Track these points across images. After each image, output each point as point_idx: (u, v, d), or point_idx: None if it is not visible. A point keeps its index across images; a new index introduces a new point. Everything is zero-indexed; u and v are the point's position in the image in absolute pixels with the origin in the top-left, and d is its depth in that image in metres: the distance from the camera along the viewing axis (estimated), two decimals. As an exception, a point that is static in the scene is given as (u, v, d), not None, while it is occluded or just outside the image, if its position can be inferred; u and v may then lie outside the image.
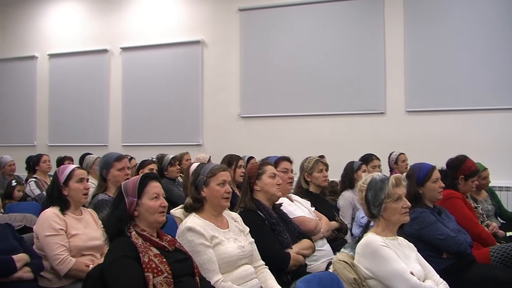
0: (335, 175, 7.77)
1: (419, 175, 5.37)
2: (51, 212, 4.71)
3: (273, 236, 4.71)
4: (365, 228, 4.25)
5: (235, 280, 4.05)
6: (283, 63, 11.01)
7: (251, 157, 8.53)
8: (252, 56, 11.33)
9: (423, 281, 3.90)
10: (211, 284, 3.86)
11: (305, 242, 4.97)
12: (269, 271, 4.39)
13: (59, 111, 13.49)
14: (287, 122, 10.95)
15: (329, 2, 10.75)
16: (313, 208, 5.80)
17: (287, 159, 5.77)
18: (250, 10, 11.40)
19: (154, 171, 7.41)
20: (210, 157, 9.74)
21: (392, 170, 9.22)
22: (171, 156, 8.59)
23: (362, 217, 6.49)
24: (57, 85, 13.55)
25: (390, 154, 9.42)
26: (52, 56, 13.62)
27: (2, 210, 6.19)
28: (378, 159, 8.47)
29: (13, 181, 8.35)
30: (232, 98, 11.42)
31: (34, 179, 8.86)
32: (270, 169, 5.03)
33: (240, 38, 11.46)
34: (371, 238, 3.95)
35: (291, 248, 4.75)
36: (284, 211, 5.19)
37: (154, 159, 8.36)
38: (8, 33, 14.27)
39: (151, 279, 3.39)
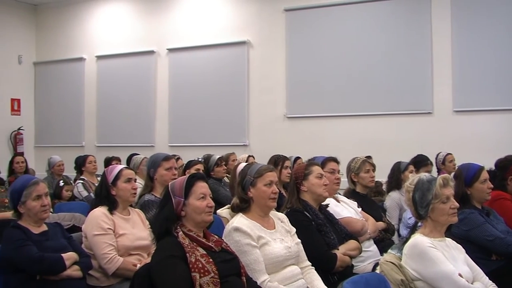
0: (380, 175, 7.72)
1: (467, 176, 5.31)
2: (100, 212, 4.77)
3: (319, 237, 4.70)
4: (413, 229, 4.21)
5: (281, 281, 4.05)
6: (329, 63, 10.95)
7: (298, 158, 8.51)
8: (298, 56, 11.29)
9: (471, 283, 3.86)
10: (258, 284, 3.86)
11: (352, 243, 4.95)
12: (315, 271, 4.38)
13: (106, 112, 13.63)
14: (333, 123, 10.89)
15: (375, 2, 10.65)
16: (360, 209, 5.77)
17: (334, 160, 5.74)
18: (295, 10, 11.35)
19: (201, 171, 7.43)
20: (248, 156, 9.74)
21: (439, 171, 9.12)
22: (218, 156, 8.61)
23: (410, 217, 6.45)
24: (104, 87, 13.70)
25: (438, 155, 9.32)
26: (99, 57, 13.78)
27: (51, 210, 6.27)
28: (431, 164, 8.42)
29: (61, 181, 8.44)
30: (278, 99, 11.40)
31: (82, 181, 8.94)
32: (317, 169, 5.01)
33: (286, 39, 11.43)
34: (418, 239, 3.91)
35: (338, 249, 4.74)
36: (331, 211, 5.18)
37: (200, 160, 8.38)
38: (57, 35, 14.47)
39: (198, 279, 3.41)
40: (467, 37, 9.99)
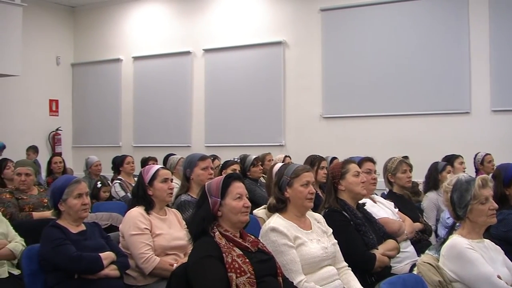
0: (417, 175, 7.66)
1: (505, 176, 5.25)
2: (137, 212, 4.79)
3: (358, 237, 4.68)
4: (451, 230, 4.17)
5: (317, 281, 4.04)
6: (365, 63, 10.91)
7: (334, 158, 8.48)
8: (333, 56, 11.27)
9: (510, 285, 3.81)
10: (294, 284, 3.86)
11: (390, 243, 4.92)
12: (352, 272, 4.36)
13: (143, 113, 13.74)
14: (369, 123, 10.85)
15: (412, 1, 10.59)
16: (397, 210, 5.73)
17: (371, 160, 5.72)
18: (331, 10, 11.34)
19: (237, 171, 7.44)
20: (284, 156, 9.73)
21: (477, 171, 9.04)
22: (254, 156, 8.61)
23: (448, 217, 6.38)
24: (141, 87, 13.80)
25: (476, 155, 9.24)
26: (136, 58, 13.89)
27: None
28: (461, 156, 8.33)
29: (98, 182, 8.50)
30: (314, 99, 11.39)
31: (119, 181, 9.00)
32: (353, 167, 4.99)
33: (322, 38, 11.41)
34: (456, 240, 3.87)
35: (377, 249, 4.72)
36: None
37: (237, 160, 8.39)
38: (94, 36, 14.63)
39: (234, 279, 3.42)
40: (506, 35, 9.89)
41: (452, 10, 10.27)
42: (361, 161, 5.62)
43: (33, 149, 12.49)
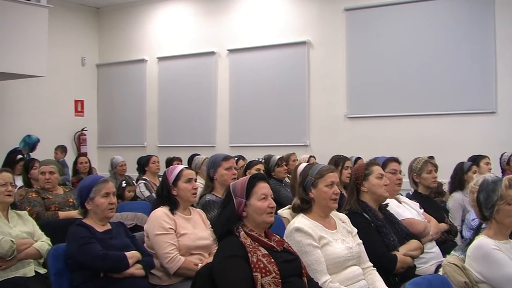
0: (443, 176, 7.62)
1: (533, 176, 5.20)
2: (161, 212, 4.81)
3: (379, 238, 4.66)
4: (477, 231, 4.14)
5: (342, 281, 4.03)
6: (390, 62, 10.85)
7: (359, 158, 8.45)
8: (358, 56, 11.23)
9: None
10: (319, 284, 3.86)
11: (413, 243, 4.90)
12: (377, 272, 4.35)
13: (168, 113, 13.79)
14: (394, 122, 10.80)
15: (437, 0, 10.54)
16: (422, 210, 5.70)
17: (396, 160, 5.69)
18: (356, 9, 11.30)
19: (261, 171, 7.43)
20: (309, 156, 9.71)
21: (504, 171, 8.97)
22: (278, 156, 8.61)
23: (473, 219, 6.33)
24: (166, 88, 13.85)
25: (502, 155, 9.17)
26: (161, 59, 13.94)
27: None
28: (487, 157, 8.26)
29: (123, 182, 8.54)
30: (338, 99, 11.35)
31: (144, 181, 9.04)
32: (377, 169, 4.97)
33: (346, 38, 11.38)
34: (482, 241, 3.84)
35: (398, 250, 4.70)
36: (392, 213, 5.13)
37: (261, 160, 8.40)
38: (119, 37, 14.71)
39: (259, 279, 3.43)
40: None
41: (477, 9, 10.19)
42: (386, 162, 5.60)
43: (61, 149, 12.58)
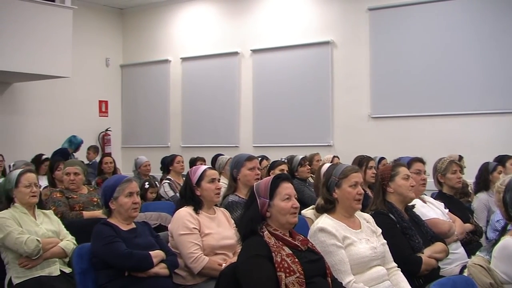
0: (468, 176, 7.57)
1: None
2: (185, 212, 4.82)
3: (404, 240, 4.64)
4: (503, 231, 4.11)
5: (367, 282, 4.02)
6: (415, 62, 10.77)
7: (382, 158, 8.43)
8: (382, 55, 11.17)
9: None
10: (343, 285, 3.85)
11: (438, 245, 4.87)
12: (401, 273, 4.33)
13: (191, 113, 13.81)
14: (418, 122, 10.72)
15: (462, -2, 10.49)
16: (447, 210, 5.67)
17: (420, 160, 5.67)
18: (379, 9, 11.24)
19: (285, 172, 7.43)
20: (333, 156, 9.69)
21: (529, 172, 8.88)
22: (301, 156, 8.60)
23: (497, 220, 6.28)
24: (189, 88, 13.88)
25: (528, 155, 9.09)
26: (184, 59, 13.97)
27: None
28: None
29: (146, 183, 8.56)
30: (362, 99, 11.30)
31: (168, 181, 9.08)
32: (403, 170, 4.94)
33: (370, 38, 11.32)
34: (509, 241, 3.80)
35: (423, 252, 4.67)
36: (417, 213, 5.10)
37: (284, 160, 8.39)
38: (143, 38, 14.76)
39: (283, 278, 3.42)
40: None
41: (502, 7, 10.07)
42: (410, 162, 5.58)
43: (94, 149, 12.67)
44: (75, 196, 6.53)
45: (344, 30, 11.68)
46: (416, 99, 10.72)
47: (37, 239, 4.83)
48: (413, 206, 5.06)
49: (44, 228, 5.07)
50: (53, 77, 12.06)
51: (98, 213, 6.00)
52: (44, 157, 10.12)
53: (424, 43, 10.70)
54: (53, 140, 12.39)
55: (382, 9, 11.19)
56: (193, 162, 10.24)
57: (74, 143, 12.26)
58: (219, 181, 5.12)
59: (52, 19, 11.56)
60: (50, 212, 5.43)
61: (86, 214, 6.37)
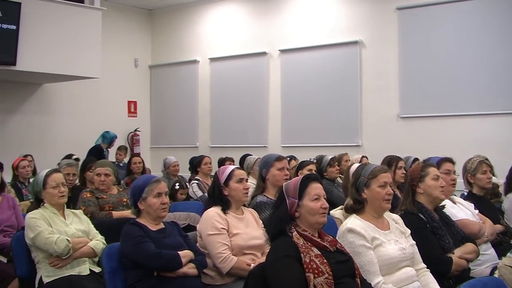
0: (498, 176, 7.50)
1: None
2: (214, 212, 4.82)
3: (434, 240, 4.61)
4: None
5: (395, 283, 4.00)
6: (444, 61, 10.71)
7: (416, 159, 8.33)
8: (411, 55, 11.12)
9: None
10: (372, 286, 3.83)
11: (469, 246, 4.83)
12: (430, 274, 4.30)
13: (219, 113, 13.85)
14: (448, 122, 10.65)
15: (492, -3, 10.40)
16: (477, 211, 5.62)
17: (450, 160, 5.64)
18: (408, 8, 11.19)
19: (313, 172, 7.41)
20: (362, 156, 9.64)
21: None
22: (330, 157, 8.58)
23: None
24: (217, 88, 13.92)
25: (559, 155, 8.99)
26: (212, 59, 14.01)
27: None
28: None
29: (177, 184, 8.58)
30: (391, 99, 11.25)
31: (196, 181, 9.10)
32: (433, 171, 4.91)
33: (399, 37, 11.27)
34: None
35: (453, 253, 4.64)
36: (447, 213, 5.07)
37: (313, 160, 8.37)
38: (171, 39, 14.84)
39: (312, 279, 3.43)
40: None
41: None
42: (440, 162, 5.55)
43: (125, 150, 12.73)
44: (105, 197, 6.57)
45: (372, 30, 11.64)
46: (445, 98, 10.65)
47: (67, 239, 4.86)
48: (443, 207, 5.03)
49: (74, 228, 5.10)
50: (83, 78, 12.18)
51: (127, 213, 6.03)
52: (74, 157, 10.21)
53: (453, 42, 10.63)
54: (83, 140, 12.52)
55: (411, 8, 11.14)
56: (221, 162, 10.27)
57: (107, 138, 12.36)
58: (247, 181, 5.12)
59: (82, 20, 11.68)
60: (79, 212, 5.46)
61: (116, 214, 6.41)
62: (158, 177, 4.75)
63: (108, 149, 12.34)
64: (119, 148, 12.71)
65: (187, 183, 9.20)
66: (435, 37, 10.86)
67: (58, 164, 9.27)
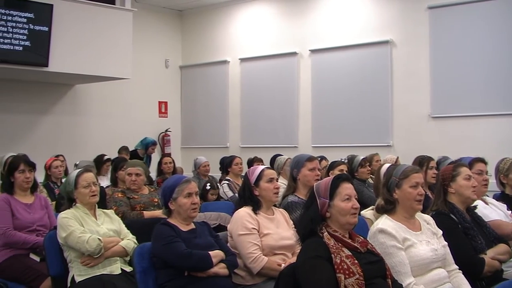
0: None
1: None
2: (244, 212, 4.84)
3: (466, 241, 4.58)
4: None
5: (427, 284, 3.98)
6: (476, 60, 10.58)
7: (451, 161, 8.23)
8: (442, 54, 11.01)
9: None
10: (403, 287, 3.82)
11: (502, 247, 4.79)
12: (462, 275, 4.27)
13: (250, 114, 13.85)
14: (480, 122, 10.52)
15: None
16: (510, 212, 5.57)
17: (482, 161, 5.59)
18: (439, 7, 11.08)
19: (344, 172, 7.40)
20: (397, 157, 9.60)
21: None
22: (362, 157, 8.55)
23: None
24: (248, 88, 13.92)
25: None
26: (243, 60, 14.01)
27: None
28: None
29: (208, 184, 8.61)
30: (422, 98, 11.15)
31: (227, 182, 9.12)
32: (465, 170, 4.87)
33: (430, 36, 11.16)
34: None
35: (486, 254, 4.60)
36: (479, 214, 5.03)
37: (344, 160, 8.35)
38: (202, 39, 14.86)
39: (343, 280, 3.42)
40: None
41: None
42: (472, 162, 5.51)
43: (126, 150, 12.69)
44: (136, 197, 6.61)
45: (403, 29, 11.55)
46: (477, 98, 10.53)
47: (98, 238, 4.89)
48: (474, 207, 4.99)
49: (105, 228, 5.13)
50: (114, 79, 12.26)
51: (158, 213, 6.05)
52: (106, 157, 10.29)
53: (485, 40, 10.51)
54: (114, 140, 12.59)
55: (442, 7, 11.03)
56: (250, 163, 10.27)
57: (143, 144, 12.63)
58: (277, 181, 5.12)
59: (113, 21, 11.76)
60: (111, 212, 5.50)
61: (147, 214, 6.44)
62: (188, 177, 4.76)
63: (147, 154, 12.45)
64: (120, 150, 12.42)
65: (217, 184, 9.22)
66: (466, 35, 10.75)
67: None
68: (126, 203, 6.49)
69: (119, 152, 12.14)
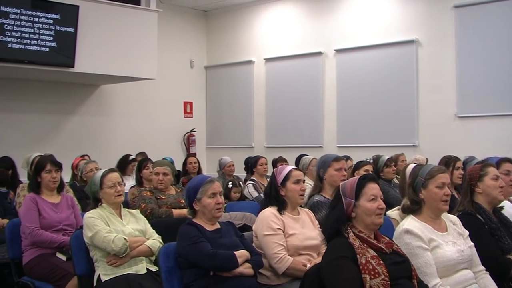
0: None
1: None
2: (269, 212, 4.84)
3: (493, 241, 4.55)
4: None
5: (453, 285, 3.97)
6: (502, 59, 10.47)
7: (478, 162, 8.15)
8: (468, 53, 10.92)
9: None
10: (429, 287, 3.79)
11: (528, 248, 4.74)
12: (489, 277, 4.25)
13: (275, 114, 13.83)
14: (507, 122, 10.42)
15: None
16: (537, 213, 5.52)
17: (509, 161, 5.54)
18: (465, 6, 11.00)
19: (370, 172, 7.38)
20: (427, 159, 9.54)
21: None
22: (387, 157, 8.51)
23: None
24: (273, 88, 13.90)
25: None
26: (268, 60, 14.00)
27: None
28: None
29: (230, 183, 8.61)
30: (448, 98, 11.08)
31: (252, 182, 9.13)
32: (492, 170, 4.84)
33: (456, 36, 11.08)
34: None
35: (512, 255, 4.57)
36: (506, 215, 4.99)
37: (369, 160, 8.33)
38: (227, 39, 14.87)
39: (368, 280, 3.41)
40: None
41: None
42: (499, 162, 5.47)
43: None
44: (163, 197, 6.62)
45: (429, 29, 11.48)
46: (504, 97, 10.44)
47: (124, 238, 4.92)
48: (501, 208, 4.95)
49: (131, 228, 5.16)
50: (139, 79, 12.30)
51: (185, 212, 6.07)
52: (131, 157, 10.34)
53: (511, 39, 10.43)
54: (139, 141, 12.67)
55: (468, 6, 10.94)
56: (274, 163, 10.26)
57: None
58: (304, 182, 5.11)
59: (138, 22, 11.80)
60: (136, 212, 5.52)
61: (175, 212, 6.46)
62: (212, 177, 4.76)
63: None
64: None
65: (241, 182, 9.22)
66: (492, 35, 10.66)
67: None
68: (154, 201, 6.51)
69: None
